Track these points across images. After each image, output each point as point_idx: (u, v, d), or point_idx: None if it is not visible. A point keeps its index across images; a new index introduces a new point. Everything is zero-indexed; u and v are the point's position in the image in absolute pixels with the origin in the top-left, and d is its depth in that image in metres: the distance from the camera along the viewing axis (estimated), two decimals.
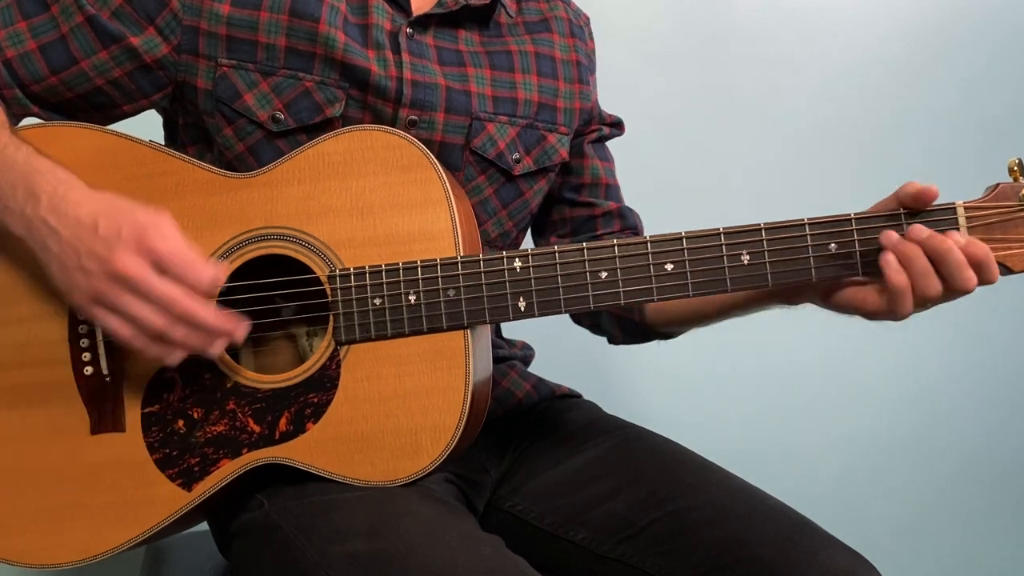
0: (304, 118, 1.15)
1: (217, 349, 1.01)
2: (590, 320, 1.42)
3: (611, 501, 1.19)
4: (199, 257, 0.98)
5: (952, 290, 1.00)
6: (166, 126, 1.28)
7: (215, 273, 0.98)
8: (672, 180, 2.03)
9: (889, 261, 1.00)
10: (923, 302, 1.01)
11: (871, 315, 1.05)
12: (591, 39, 1.41)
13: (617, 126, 1.44)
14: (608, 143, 1.44)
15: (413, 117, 1.18)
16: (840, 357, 2.09)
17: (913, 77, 2.14)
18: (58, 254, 0.99)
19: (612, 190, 1.41)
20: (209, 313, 0.98)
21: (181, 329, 0.98)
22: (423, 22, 1.21)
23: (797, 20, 2.10)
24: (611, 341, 1.42)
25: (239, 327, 1.01)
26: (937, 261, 0.99)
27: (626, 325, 1.36)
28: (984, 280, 1.00)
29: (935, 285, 1.00)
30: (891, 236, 1.01)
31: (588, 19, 1.42)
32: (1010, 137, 2.12)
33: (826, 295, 1.08)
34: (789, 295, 1.13)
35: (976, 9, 2.16)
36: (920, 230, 1.00)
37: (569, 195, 1.38)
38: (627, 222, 1.40)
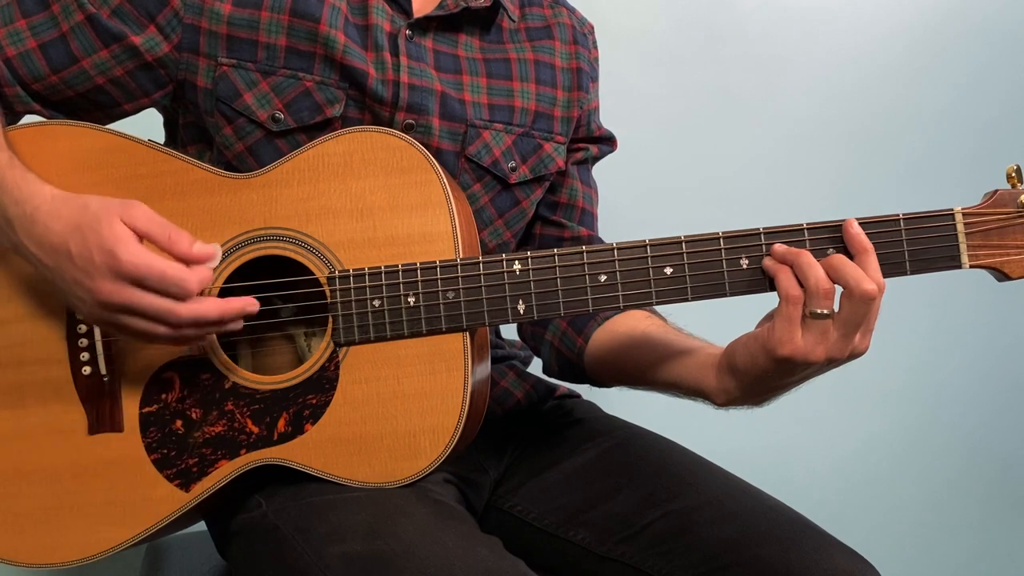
0: (304, 118, 1.15)
1: (234, 328, 1.02)
2: (534, 342, 1.39)
3: (611, 501, 1.19)
4: (183, 243, 0.98)
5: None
6: (166, 125, 1.28)
7: (199, 274, 0.98)
8: (671, 181, 2.03)
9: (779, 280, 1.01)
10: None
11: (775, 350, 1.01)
12: (595, 47, 1.39)
13: (608, 142, 1.42)
14: (600, 161, 1.42)
15: (410, 121, 1.17)
16: None
17: (912, 78, 2.13)
18: (51, 279, 1.01)
19: (587, 216, 1.38)
20: (208, 309, 0.98)
21: (188, 330, 0.99)
22: (423, 25, 1.21)
23: (796, 21, 2.09)
24: (546, 371, 1.39)
25: (245, 307, 1.01)
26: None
27: (563, 361, 1.34)
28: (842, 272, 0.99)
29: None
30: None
31: (592, 28, 1.41)
32: (1008, 140, 2.12)
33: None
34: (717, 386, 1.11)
35: (975, 11, 2.15)
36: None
37: (543, 211, 1.36)
38: None
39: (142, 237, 0.98)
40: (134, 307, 0.97)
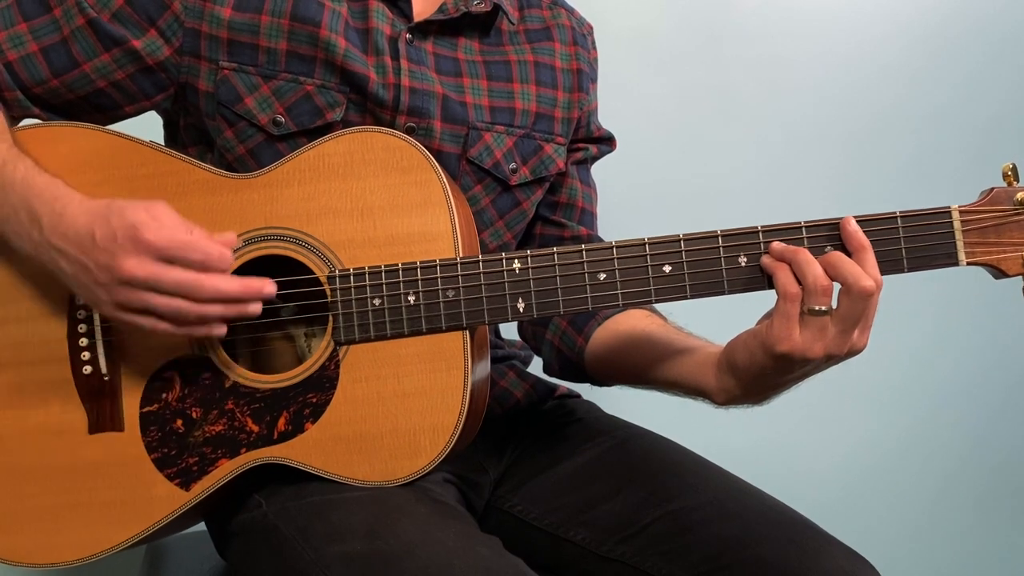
0: (305, 122, 1.15)
1: (254, 310, 1.02)
2: (535, 342, 1.39)
3: (611, 501, 1.19)
4: (201, 234, 0.99)
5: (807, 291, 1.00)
6: (166, 127, 1.28)
7: (220, 248, 0.99)
8: (671, 180, 2.03)
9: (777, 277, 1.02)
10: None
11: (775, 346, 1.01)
12: (594, 48, 1.39)
13: (607, 142, 1.42)
14: (599, 160, 1.42)
15: (411, 124, 1.17)
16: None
17: (911, 78, 2.13)
18: (73, 274, 1.01)
19: (586, 216, 1.38)
20: (230, 284, 0.99)
21: (212, 306, 0.99)
22: (423, 29, 1.21)
23: (796, 21, 2.09)
24: (546, 370, 1.40)
25: (265, 286, 1.02)
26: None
27: (563, 360, 1.34)
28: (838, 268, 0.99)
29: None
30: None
31: (591, 28, 1.40)
32: (1006, 139, 2.11)
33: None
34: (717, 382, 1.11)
35: (974, 11, 2.15)
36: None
37: (543, 211, 1.36)
38: None
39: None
40: (157, 282, 0.97)
